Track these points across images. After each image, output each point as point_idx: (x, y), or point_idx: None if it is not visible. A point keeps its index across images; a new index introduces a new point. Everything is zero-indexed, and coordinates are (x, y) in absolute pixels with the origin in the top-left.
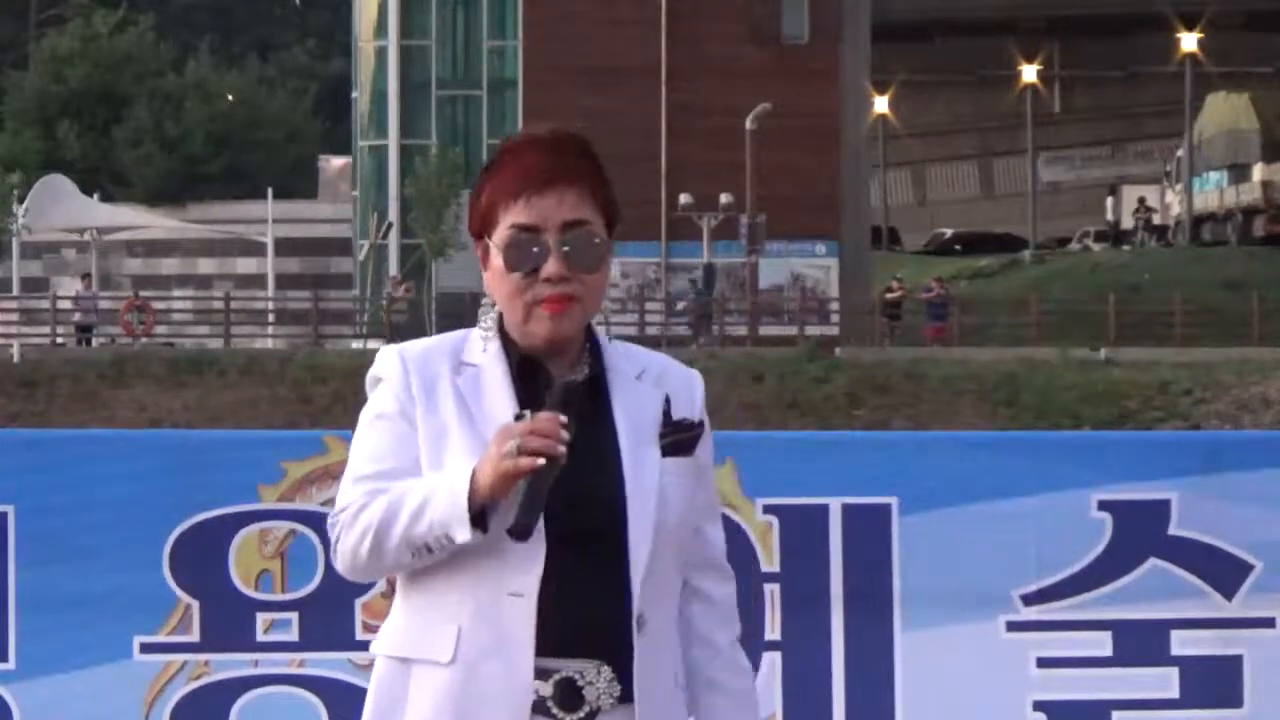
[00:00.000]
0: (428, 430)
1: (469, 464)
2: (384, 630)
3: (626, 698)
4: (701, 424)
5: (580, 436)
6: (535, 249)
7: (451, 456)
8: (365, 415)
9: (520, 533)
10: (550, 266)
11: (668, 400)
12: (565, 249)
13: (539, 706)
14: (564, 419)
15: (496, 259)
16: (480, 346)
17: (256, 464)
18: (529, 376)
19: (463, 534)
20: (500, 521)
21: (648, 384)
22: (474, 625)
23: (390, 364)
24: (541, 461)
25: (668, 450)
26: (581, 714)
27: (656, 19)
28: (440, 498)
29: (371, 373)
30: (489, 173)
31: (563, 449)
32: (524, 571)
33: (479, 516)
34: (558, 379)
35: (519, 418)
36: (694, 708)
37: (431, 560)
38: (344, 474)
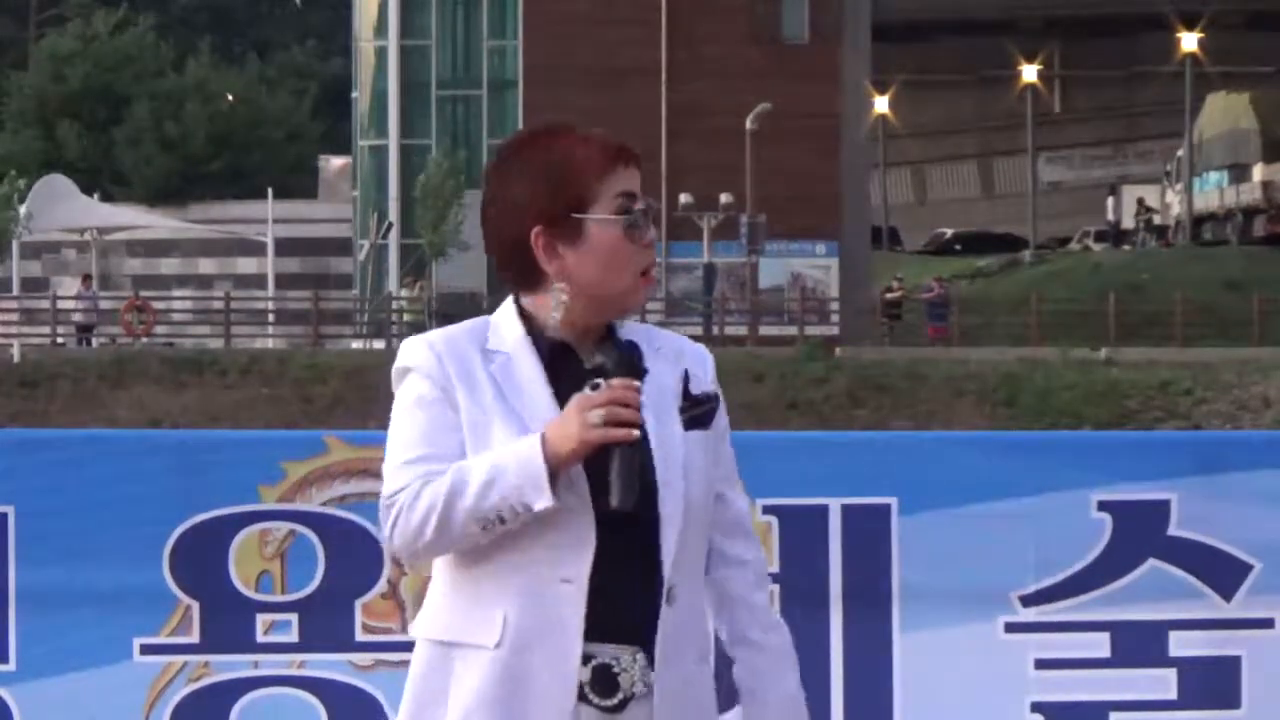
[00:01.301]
0: (470, 416)
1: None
2: (424, 614)
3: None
4: (718, 396)
5: None
6: (643, 216)
7: (496, 442)
8: (402, 404)
9: (627, 507)
10: (650, 233)
11: (686, 375)
12: (655, 218)
13: (576, 691)
14: (638, 384)
15: (606, 232)
16: (500, 333)
17: (256, 464)
18: (558, 358)
19: (542, 500)
20: (567, 494)
21: (668, 357)
22: (522, 611)
23: (421, 353)
24: (636, 433)
25: (688, 425)
26: (615, 700)
27: (656, 19)
28: (512, 469)
29: (399, 364)
30: (555, 153)
31: (643, 418)
32: (576, 558)
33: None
34: (600, 353)
35: (594, 387)
36: (736, 668)
37: (502, 531)
38: (386, 462)
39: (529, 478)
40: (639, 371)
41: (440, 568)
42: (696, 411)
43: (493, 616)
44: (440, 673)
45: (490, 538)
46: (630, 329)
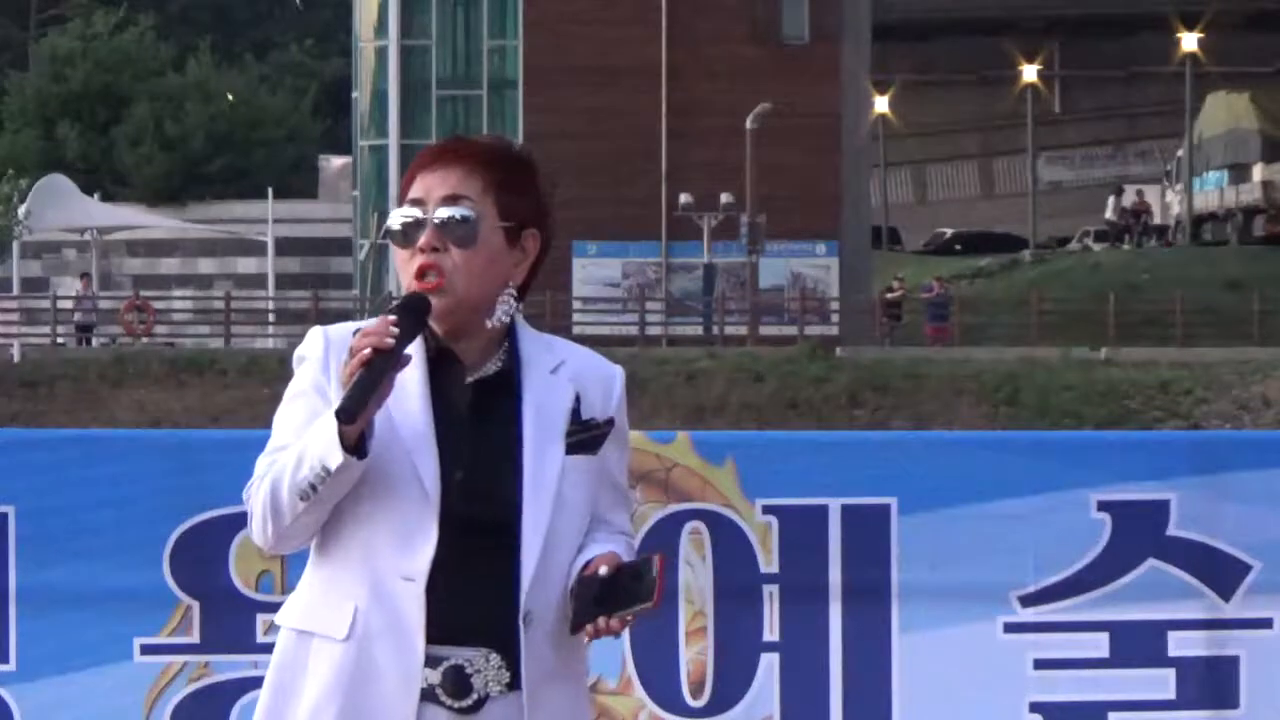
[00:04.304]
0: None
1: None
2: (289, 602)
3: (517, 684)
4: (610, 422)
5: (486, 431)
6: (416, 221)
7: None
8: (287, 393)
9: (341, 413)
10: (423, 237)
11: (578, 398)
12: (438, 220)
13: (428, 694)
14: (392, 318)
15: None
16: None
17: (256, 464)
18: (444, 364)
19: (335, 458)
20: (411, 489)
21: (562, 378)
22: (369, 606)
23: (314, 344)
24: (368, 352)
25: (572, 448)
26: (469, 701)
27: (656, 19)
28: (315, 436)
29: (298, 351)
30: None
31: (390, 341)
32: (416, 556)
33: (358, 445)
34: (467, 367)
35: (355, 334)
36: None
37: (320, 504)
38: None
39: (325, 440)
40: (405, 308)
41: (310, 558)
42: (581, 436)
43: (344, 608)
44: (297, 661)
45: (317, 513)
46: (535, 342)
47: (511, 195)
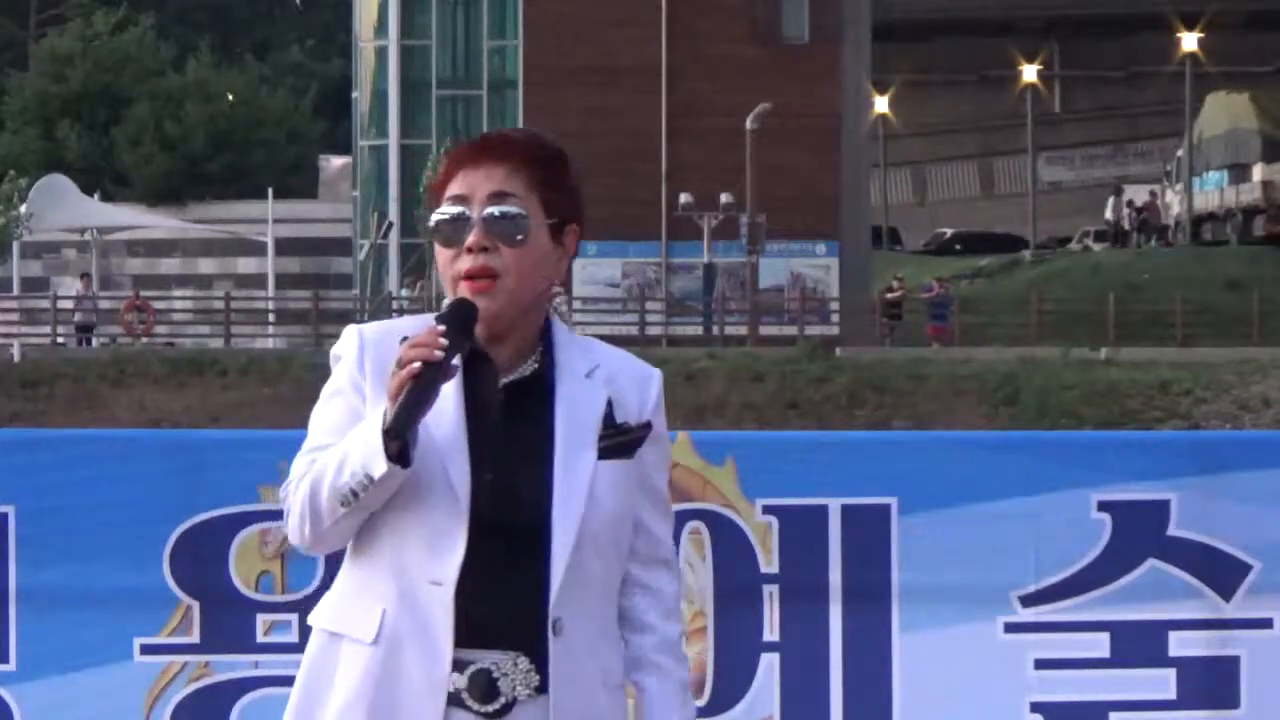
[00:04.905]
0: (375, 406)
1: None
2: (322, 603)
3: (546, 688)
4: (647, 426)
5: (518, 434)
6: (461, 219)
7: None
8: (323, 393)
9: (390, 430)
10: (472, 235)
11: (610, 402)
12: (485, 218)
13: (455, 698)
14: (442, 327)
15: (436, 242)
16: None
17: (256, 464)
18: (477, 365)
19: (379, 467)
20: (442, 495)
21: (597, 382)
22: (397, 609)
23: (350, 342)
24: (418, 365)
25: (605, 453)
26: (497, 705)
27: (656, 19)
28: (358, 441)
29: (334, 350)
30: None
31: (439, 354)
32: (444, 560)
33: (401, 453)
34: (501, 369)
35: (403, 341)
36: (635, 691)
37: (361, 509)
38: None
39: (369, 447)
40: (453, 317)
41: (345, 560)
42: (615, 441)
43: (373, 611)
44: (327, 663)
45: (357, 518)
46: (571, 345)
47: (554, 191)
